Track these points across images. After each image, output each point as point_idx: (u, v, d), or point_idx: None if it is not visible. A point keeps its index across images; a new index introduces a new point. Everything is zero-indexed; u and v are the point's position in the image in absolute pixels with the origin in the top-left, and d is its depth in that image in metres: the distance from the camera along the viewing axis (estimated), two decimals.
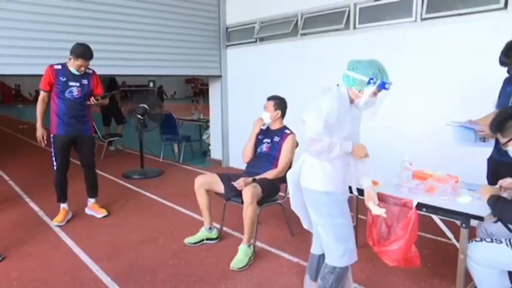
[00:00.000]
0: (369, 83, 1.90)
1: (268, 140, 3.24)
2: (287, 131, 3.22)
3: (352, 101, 1.99)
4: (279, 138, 3.19)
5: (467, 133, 2.52)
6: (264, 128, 3.28)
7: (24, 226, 3.60)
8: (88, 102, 3.63)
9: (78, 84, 3.54)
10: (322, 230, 2.03)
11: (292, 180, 2.14)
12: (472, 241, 2.02)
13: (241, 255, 2.85)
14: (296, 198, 2.16)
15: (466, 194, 2.16)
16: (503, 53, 2.42)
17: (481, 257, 1.92)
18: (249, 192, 2.82)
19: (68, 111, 3.54)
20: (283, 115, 3.25)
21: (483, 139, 2.47)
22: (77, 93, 3.54)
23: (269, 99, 3.23)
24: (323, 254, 2.14)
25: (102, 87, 3.78)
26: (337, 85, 2.01)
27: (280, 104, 3.21)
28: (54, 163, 3.62)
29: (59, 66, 3.51)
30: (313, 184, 2.01)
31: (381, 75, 1.90)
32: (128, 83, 21.41)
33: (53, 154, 3.61)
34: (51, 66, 3.50)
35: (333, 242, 2.00)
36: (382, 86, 1.91)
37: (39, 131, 3.54)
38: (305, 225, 2.24)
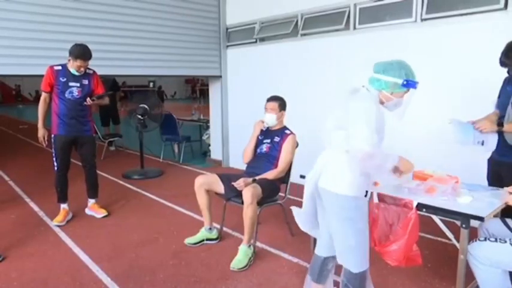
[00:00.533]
0: (403, 85, 1.87)
1: (268, 140, 3.24)
2: (287, 131, 3.22)
3: (381, 104, 1.94)
4: (279, 139, 3.19)
5: (466, 134, 2.50)
6: (264, 128, 3.28)
7: (24, 226, 3.60)
8: (85, 103, 3.61)
9: (78, 84, 3.54)
10: (339, 235, 1.95)
11: (311, 182, 2.03)
12: (475, 240, 2.02)
13: (241, 256, 2.85)
14: (311, 201, 2.07)
15: (466, 195, 2.16)
16: (503, 54, 2.42)
17: (485, 256, 1.91)
18: (249, 192, 2.82)
19: (68, 111, 3.54)
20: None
21: (481, 142, 2.46)
22: (77, 93, 3.54)
23: (270, 100, 3.22)
24: (328, 257, 2.12)
25: (103, 87, 3.78)
26: (363, 86, 1.95)
27: (282, 104, 3.21)
28: (55, 163, 3.63)
29: (59, 67, 3.51)
30: (338, 187, 1.89)
31: (412, 75, 1.89)
32: (128, 83, 21.45)
33: (53, 154, 3.62)
34: (51, 67, 3.51)
35: (351, 247, 1.93)
36: (413, 86, 1.90)
37: (41, 132, 3.56)
38: (304, 228, 2.19)
